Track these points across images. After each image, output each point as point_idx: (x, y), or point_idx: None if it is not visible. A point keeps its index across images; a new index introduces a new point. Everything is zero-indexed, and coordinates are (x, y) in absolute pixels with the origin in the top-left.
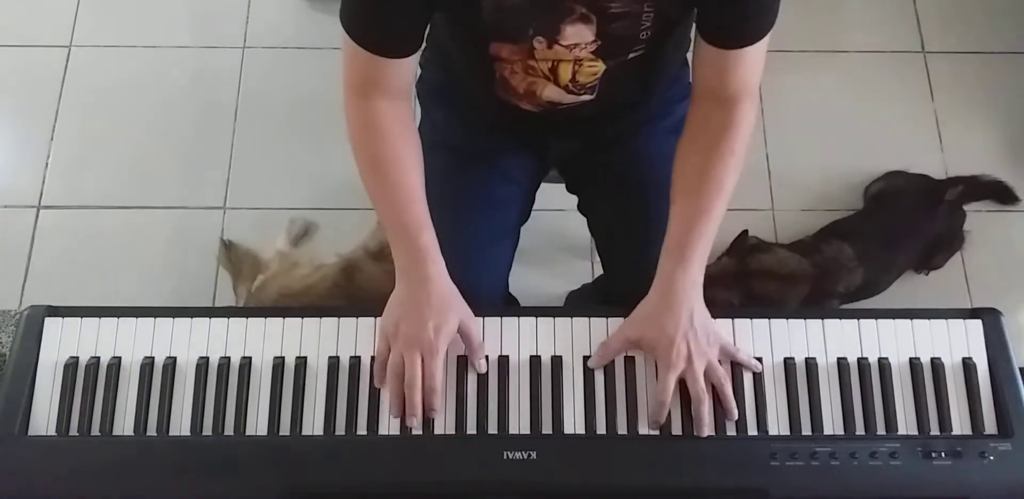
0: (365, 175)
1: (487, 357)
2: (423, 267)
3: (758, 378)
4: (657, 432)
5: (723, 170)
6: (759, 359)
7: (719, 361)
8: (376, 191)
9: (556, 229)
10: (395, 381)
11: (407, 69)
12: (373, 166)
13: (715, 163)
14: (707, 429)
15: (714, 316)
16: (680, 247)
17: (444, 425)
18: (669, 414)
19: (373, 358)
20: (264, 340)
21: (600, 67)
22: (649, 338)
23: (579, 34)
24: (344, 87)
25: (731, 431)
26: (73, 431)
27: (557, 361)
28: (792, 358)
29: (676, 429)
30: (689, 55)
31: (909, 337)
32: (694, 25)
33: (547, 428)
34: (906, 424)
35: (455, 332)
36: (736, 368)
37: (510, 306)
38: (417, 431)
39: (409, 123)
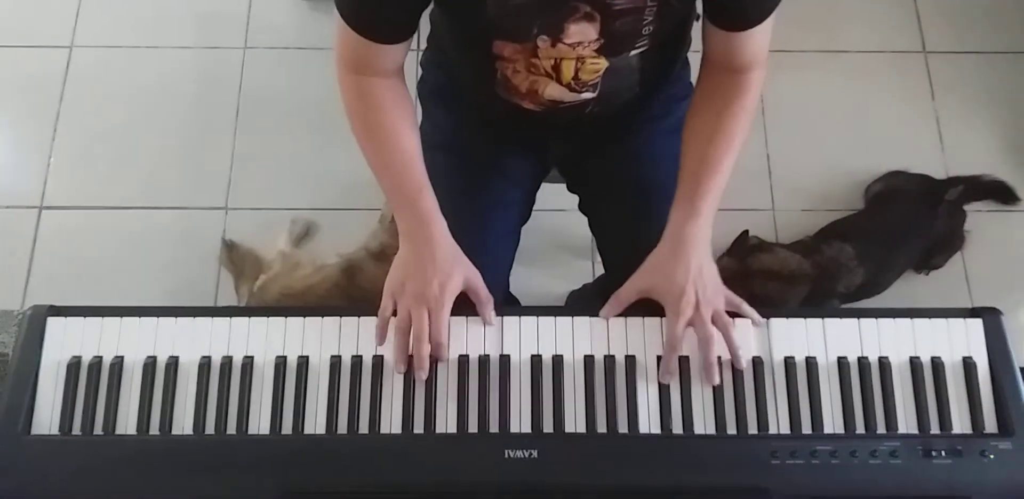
0: (362, 143)
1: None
2: (425, 228)
3: (759, 377)
4: (659, 431)
5: (733, 126)
6: (759, 358)
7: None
8: (374, 158)
9: (557, 229)
10: (401, 336)
11: (399, 53)
12: (368, 134)
13: (725, 120)
14: (716, 376)
15: None
16: (690, 200)
17: (445, 424)
18: (670, 408)
19: (376, 356)
20: (266, 340)
21: (603, 64)
22: (660, 287)
23: (583, 32)
24: (336, 62)
25: (731, 430)
26: (76, 430)
27: (558, 360)
28: (792, 357)
29: (677, 428)
30: (690, 54)
31: (909, 336)
32: (700, 11)
33: (548, 427)
34: (906, 423)
35: (460, 289)
36: (737, 372)
37: (511, 306)
38: (419, 430)
39: (403, 94)
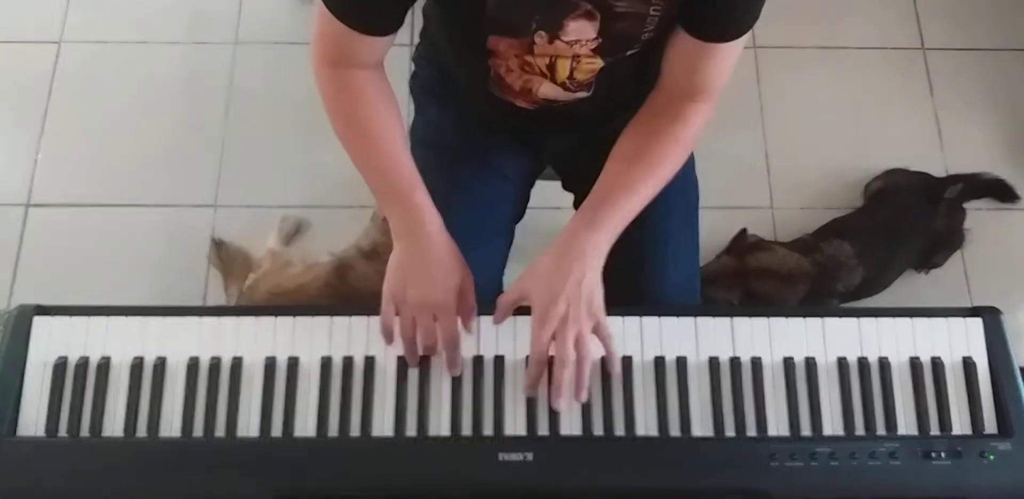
0: (345, 139)
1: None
2: (422, 225)
3: (757, 377)
4: (656, 433)
5: (661, 153)
6: (759, 358)
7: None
8: (359, 155)
9: (551, 227)
10: (408, 344)
11: (384, 45)
12: (352, 129)
13: (654, 146)
14: (564, 401)
15: (713, 315)
16: (593, 209)
17: (439, 426)
18: (667, 410)
19: (367, 357)
20: (255, 340)
21: (598, 64)
22: (534, 292)
23: (581, 30)
24: (314, 56)
25: (730, 432)
26: (62, 432)
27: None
28: (791, 357)
29: (674, 430)
30: None
31: (909, 336)
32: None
33: (544, 429)
34: (906, 424)
35: (459, 288)
36: (736, 369)
37: None
38: (412, 432)
39: (386, 86)
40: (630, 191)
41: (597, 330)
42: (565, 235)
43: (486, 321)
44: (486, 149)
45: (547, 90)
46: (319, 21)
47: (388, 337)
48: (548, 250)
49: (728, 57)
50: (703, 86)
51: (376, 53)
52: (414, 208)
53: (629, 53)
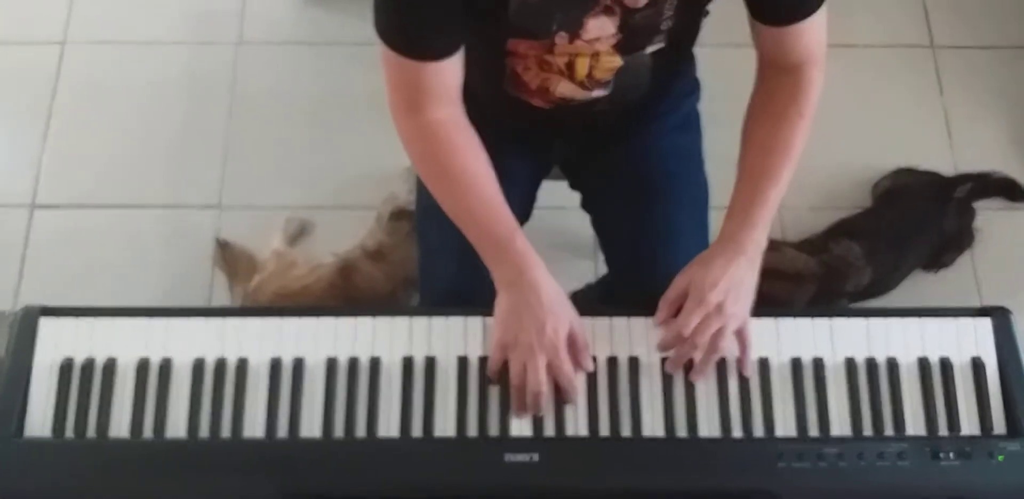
0: (438, 192)
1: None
2: (528, 272)
3: (765, 378)
4: (663, 434)
5: (790, 134)
6: (766, 359)
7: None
8: (454, 207)
9: (557, 228)
10: (518, 392)
11: (453, 70)
12: (446, 181)
13: (783, 127)
14: (674, 370)
15: None
16: (745, 209)
17: (445, 427)
18: (673, 414)
19: (372, 358)
20: (261, 341)
21: (617, 62)
22: (696, 278)
23: (602, 27)
24: (392, 107)
25: (737, 433)
26: (68, 433)
27: None
28: (799, 358)
29: (681, 431)
30: (696, 50)
31: (918, 336)
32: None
33: (550, 430)
34: (914, 424)
35: (568, 330)
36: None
37: None
38: (417, 433)
39: (467, 128)
40: (774, 181)
41: (740, 331)
42: (725, 235)
43: (490, 322)
44: (493, 151)
45: (564, 89)
46: (385, 65)
47: (497, 380)
48: (710, 248)
49: (814, 28)
50: (803, 59)
51: (447, 83)
52: (515, 256)
53: (649, 51)
